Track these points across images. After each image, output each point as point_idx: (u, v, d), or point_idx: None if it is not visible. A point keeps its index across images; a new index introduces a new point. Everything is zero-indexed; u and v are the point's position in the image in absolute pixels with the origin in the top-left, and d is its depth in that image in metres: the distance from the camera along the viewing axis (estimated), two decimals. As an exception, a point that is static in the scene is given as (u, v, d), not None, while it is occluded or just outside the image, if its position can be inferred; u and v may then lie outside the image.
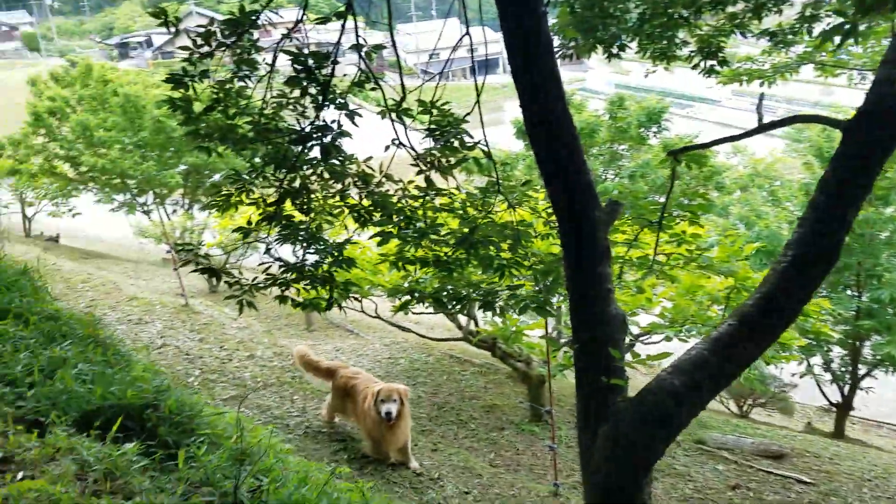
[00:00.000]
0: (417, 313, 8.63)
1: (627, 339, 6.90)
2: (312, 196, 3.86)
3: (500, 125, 17.38)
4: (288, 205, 3.70)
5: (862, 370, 11.20)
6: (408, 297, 4.27)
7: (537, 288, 4.02)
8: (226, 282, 3.64)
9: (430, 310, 8.49)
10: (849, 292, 10.85)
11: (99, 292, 9.32)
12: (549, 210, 4.01)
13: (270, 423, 6.17)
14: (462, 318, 9.35)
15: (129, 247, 21.14)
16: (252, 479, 3.43)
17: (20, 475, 2.77)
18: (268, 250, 3.92)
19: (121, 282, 10.60)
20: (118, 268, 15.01)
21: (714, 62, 6.05)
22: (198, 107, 3.51)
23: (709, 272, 6.46)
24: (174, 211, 19.14)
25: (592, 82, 54.90)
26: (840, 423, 11.32)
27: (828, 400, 11.58)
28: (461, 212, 3.96)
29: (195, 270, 3.73)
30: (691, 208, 4.76)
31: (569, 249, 2.94)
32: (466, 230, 3.78)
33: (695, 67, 6.21)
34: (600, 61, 45.33)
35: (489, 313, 10.29)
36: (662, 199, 5.20)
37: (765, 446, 7.58)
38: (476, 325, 8.68)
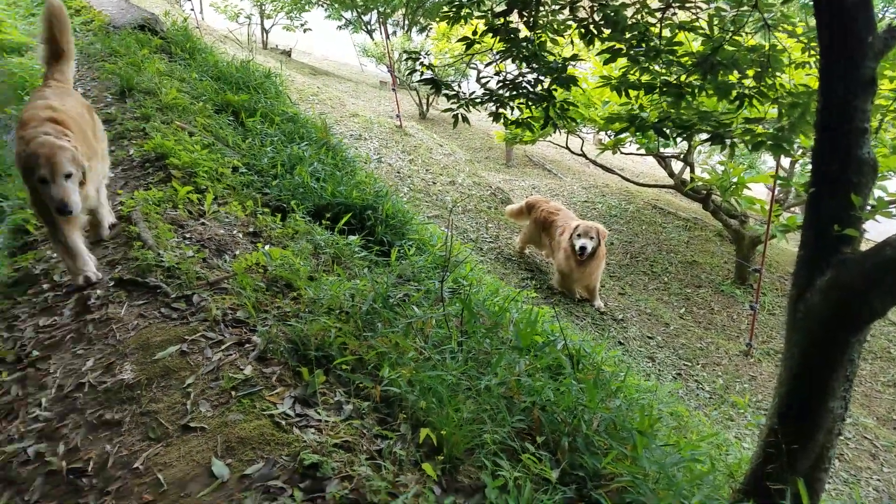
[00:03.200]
0: (627, 153, 8.25)
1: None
2: (541, 9, 3.68)
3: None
4: (514, 19, 3.59)
5: None
6: (626, 126, 4.01)
7: (778, 125, 3.54)
8: (444, 94, 3.71)
9: (642, 151, 8.08)
10: None
11: (326, 106, 10.21)
12: (812, 35, 3.40)
13: (467, 243, 6.58)
14: (676, 166, 8.77)
15: (352, 67, 22.49)
16: (451, 283, 3.77)
17: (267, 247, 3.35)
18: (483, 69, 3.91)
19: (344, 99, 11.45)
20: (341, 86, 16.16)
21: None
22: None
23: None
24: (394, 32, 19.68)
25: None
26: None
27: None
28: (705, 30, 3.53)
29: (420, 81, 3.84)
30: None
31: (827, 75, 2.51)
32: (708, 50, 3.38)
33: None
34: None
35: (710, 158, 9.44)
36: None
37: None
38: (692, 172, 8.09)
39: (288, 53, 20.73)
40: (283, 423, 2.06)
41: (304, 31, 21.41)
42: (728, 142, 3.59)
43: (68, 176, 2.66)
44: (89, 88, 5.88)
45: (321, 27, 21.80)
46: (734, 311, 6.75)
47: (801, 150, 6.48)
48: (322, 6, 20.63)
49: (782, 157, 6.24)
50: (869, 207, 2.56)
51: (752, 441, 4.27)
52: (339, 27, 21.06)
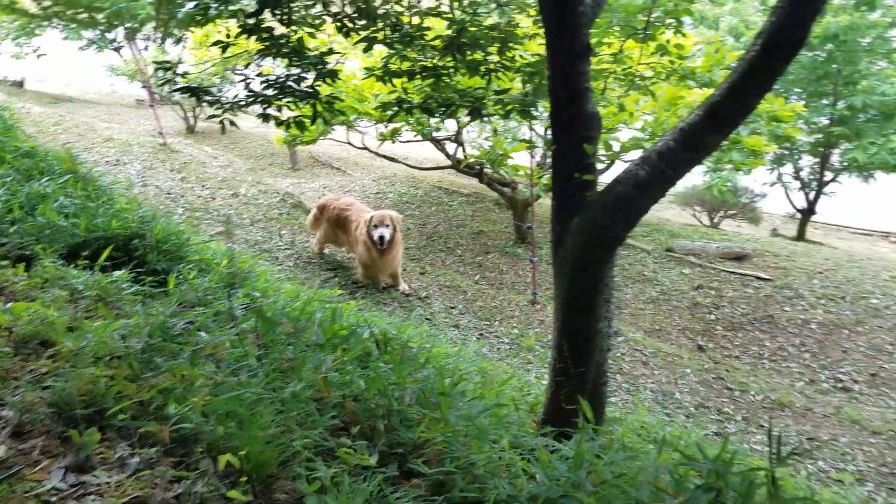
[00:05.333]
0: (405, 142, 8.51)
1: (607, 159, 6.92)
2: (293, 6, 3.65)
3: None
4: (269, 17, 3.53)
5: (828, 176, 11.50)
6: (395, 110, 4.17)
7: (523, 92, 3.94)
8: (205, 100, 3.50)
9: (419, 138, 8.39)
10: (825, 101, 10.79)
11: (72, 134, 9.07)
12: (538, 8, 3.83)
13: (260, 254, 6.33)
14: (450, 148, 9.25)
15: (100, 90, 20.25)
16: (245, 298, 3.58)
17: (9, 304, 2.86)
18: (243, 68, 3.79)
19: (95, 124, 10.27)
20: (91, 111, 14.49)
21: None
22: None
23: (691, 82, 6.31)
24: (146, 47, 18.02)
25: None
26: (802, 228, 11.86)
27: (794, 206, 11.97)
28: (448, 14, 3.79)
29: (174, 90, 3.58)
30: (675, 14, 4.50)
31: (551, 44, 2.84)
32: (453, 33, 3.64)
33: None
34: None
35: (480, 136, 10.09)
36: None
37: (728, 249, 7.95)
38: (464, 152, 8.61)
39: (20, 84, 18.07)
40: (55, 499, 1.79)
41: (38, 56, 18.68)
42: (484, 113, 3.92)
43: None
44: None
45: (59, 50, 19.20)
46: (519, 267, 7.39)
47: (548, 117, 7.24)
48: (56, 28, 18.07)
49: (537, 123, 6.92)
50: (603, 155, 2.97)
51: (549, 378, 4.71)
52: (82, 48, 18.69)
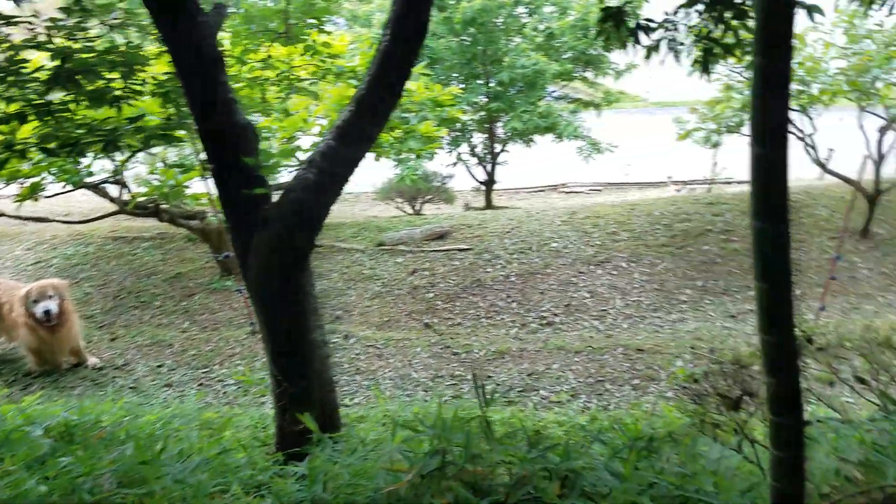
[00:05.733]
0: (51, 196, 7.16)
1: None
2: None
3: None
4: None
5: (498, 148, 13.23)
6: (6, 154, 3.48)
7: (165, 115, 3.59)
8: None
9: (69, 187, 7.13)
10: (479, 81, 12.27)
11: None
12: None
13: None
14: (113, 191, 8.12)
15: None
16: None
17: None
18: None
19: None
20: None
21: None
22: None
23: (353, 81, 6.52)
24: None
25: None
26: (488, 197, 13.48)
27: (477, 180, 13.54)
28: (50, 44, 3.24)
29: None
30: (314, 13, 4.58)
31: (178, 62, 2.60)
32: (58, 63, 3.13)
33: None
34: None
35: (153, 170, 9.17)
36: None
37: (430, 231, 8.62)
38: (129, 192, 7.62)
39: None
40: None
41: None
42: (121, 145, 3.47)
43: None
44: None
45: None
46: (233, 301, 6.89)
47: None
48: None
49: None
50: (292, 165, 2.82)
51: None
52: None
